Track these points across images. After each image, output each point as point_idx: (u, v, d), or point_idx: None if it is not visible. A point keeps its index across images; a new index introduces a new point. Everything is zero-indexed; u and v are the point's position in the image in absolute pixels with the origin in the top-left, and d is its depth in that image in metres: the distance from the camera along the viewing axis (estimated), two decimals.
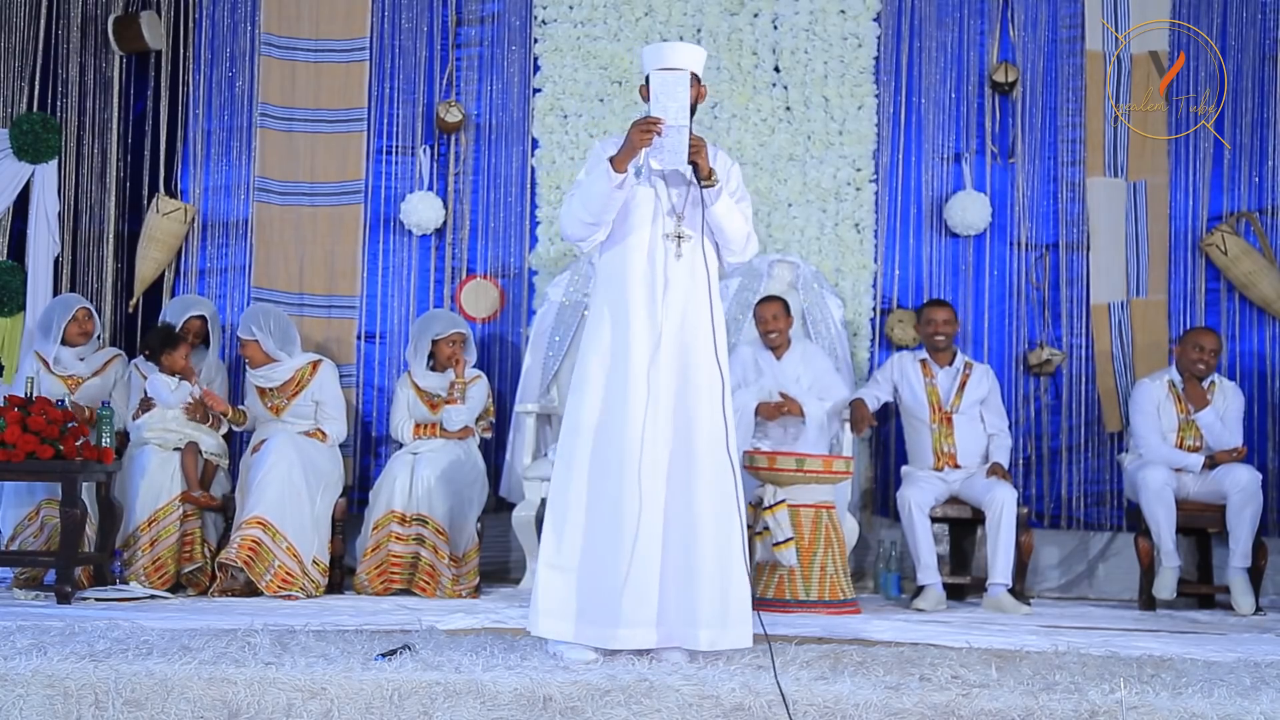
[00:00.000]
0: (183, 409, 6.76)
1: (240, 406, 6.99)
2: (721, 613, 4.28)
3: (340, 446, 7.04)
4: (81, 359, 7.02)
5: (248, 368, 6.97)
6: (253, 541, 6.35)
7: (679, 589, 4.29)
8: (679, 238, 4.40)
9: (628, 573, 4.24)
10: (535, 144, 7.69)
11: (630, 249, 4.41)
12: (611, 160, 4.32)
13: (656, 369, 4.34)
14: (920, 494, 6.79)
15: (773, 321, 7.09)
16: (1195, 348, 6.94)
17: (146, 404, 6.83)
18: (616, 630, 4.26)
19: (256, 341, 6.86)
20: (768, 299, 7.18)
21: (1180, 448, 6.95)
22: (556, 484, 4.42)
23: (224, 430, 6.94)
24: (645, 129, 4.25)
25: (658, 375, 4.33)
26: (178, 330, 6.95)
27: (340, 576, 6.82)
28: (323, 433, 6.90)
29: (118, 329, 7.73)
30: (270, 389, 6.91)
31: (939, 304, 7.18)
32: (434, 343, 7.04)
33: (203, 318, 7.15)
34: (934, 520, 6.88)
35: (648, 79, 4.42)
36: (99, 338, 7.17)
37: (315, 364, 7.00)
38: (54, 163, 7.76)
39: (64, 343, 6.96)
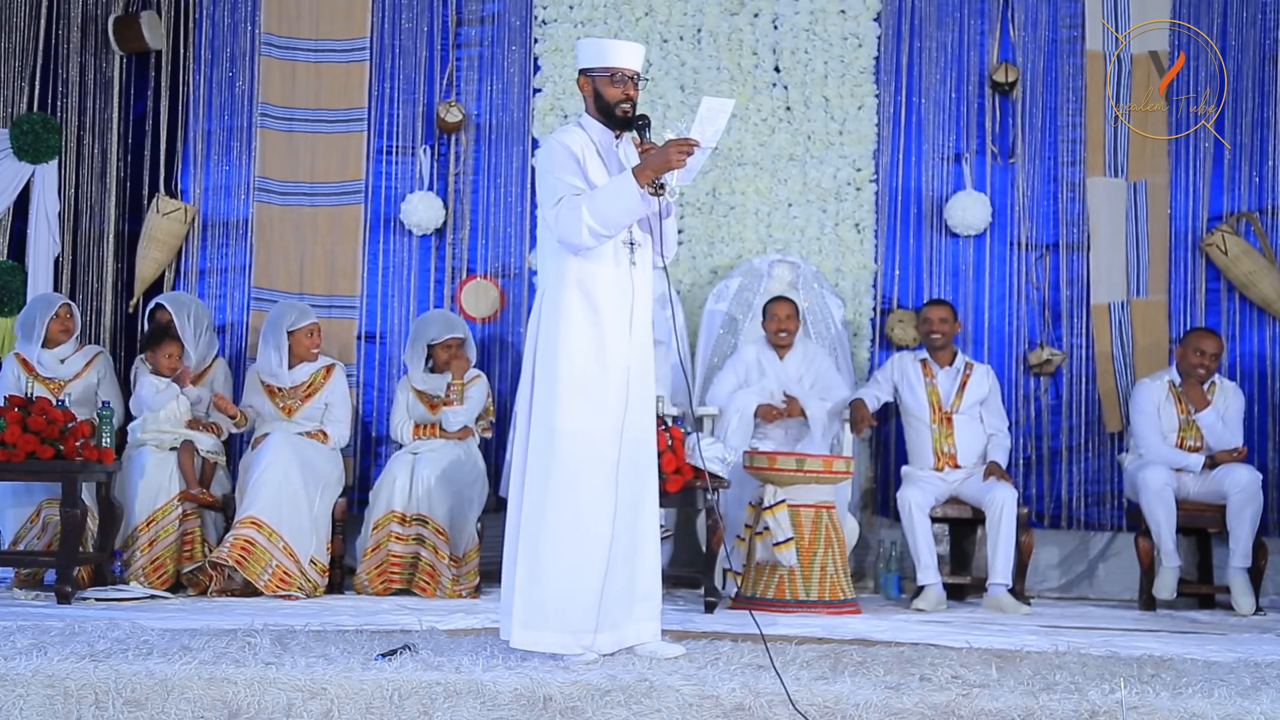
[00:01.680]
0: (188, 425, 6.76)
1: (240, 408, 6.98)
2: (655, 608, 4.47)
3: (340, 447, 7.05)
4: (62, 360, 6.92)
5: (266, 363, 6.91)
6: (245, 541, 6.33)
7: (626, 587, 4.37)
8: (633, 244, 4.47)
9: (609, 576, 4.30)
10: (535, 144, 7.68)
11: (600, 256, 4.42)
12: (635, 172, 4.33)
13: (635, 374, 4.40)
14: (920, 494, 6.79)
15: (787, 321, 7.10)
16: (1196, 351, 6.93)
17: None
18: (600, 635, 4.29)
19: (319, 324, 6.97)
20: (780, 299, 7.19)
21: (1180, 448, 6.94)
22: (533, 490, 4.35)
23: (225, 438, 6.94)
24: (683, 150, 4.30)
25: (636, 380, 4.40)
26: (170, 330, 6.93)
27: (340, 576, 6.81)
28: (324, 433, 6.90)
29: (118, 329, 7.72)
30: (282, 389, 6.90)
31: (938, 303, 7.18)
32: (431, 346, 7.05)
33: (165, 307, 6.97)
34: (934, 520, 6.89)
35: (584, 72, 4.51)
36: (78, 337, 7.06)
37: (329, 368, 7.01)
38: (54, 163, 7.74)
39: (46, 342, 6.88)
